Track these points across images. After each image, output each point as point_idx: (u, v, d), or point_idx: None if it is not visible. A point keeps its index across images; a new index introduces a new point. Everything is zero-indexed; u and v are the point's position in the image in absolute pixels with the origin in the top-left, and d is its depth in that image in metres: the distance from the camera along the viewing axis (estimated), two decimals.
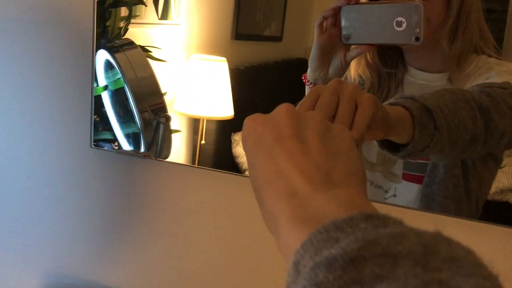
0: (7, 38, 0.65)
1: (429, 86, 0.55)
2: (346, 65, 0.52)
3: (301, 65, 0.72)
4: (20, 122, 0.65)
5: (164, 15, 0.73)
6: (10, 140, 0.66)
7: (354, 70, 0.55)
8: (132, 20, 0.70)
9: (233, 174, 0.65)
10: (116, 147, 0.67)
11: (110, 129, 0.64)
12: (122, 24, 0.67)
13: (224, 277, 0.65)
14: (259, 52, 0.80)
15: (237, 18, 0.77)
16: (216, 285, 0.66)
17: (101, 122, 0.63)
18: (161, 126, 0.64)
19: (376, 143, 0.45)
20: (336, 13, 0.49)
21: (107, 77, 0.63)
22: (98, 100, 0.64)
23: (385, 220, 0.21)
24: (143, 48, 0.68)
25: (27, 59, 0.66)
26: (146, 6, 0.70)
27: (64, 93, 0.65)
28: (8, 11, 0.66)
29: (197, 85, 0.71)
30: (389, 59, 0.53)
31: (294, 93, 0.71)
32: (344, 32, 0.49)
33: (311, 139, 0.27)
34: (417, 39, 0.46)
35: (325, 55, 0.51)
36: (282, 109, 0.28)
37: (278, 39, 0.78)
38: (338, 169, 0.26)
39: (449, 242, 0.19)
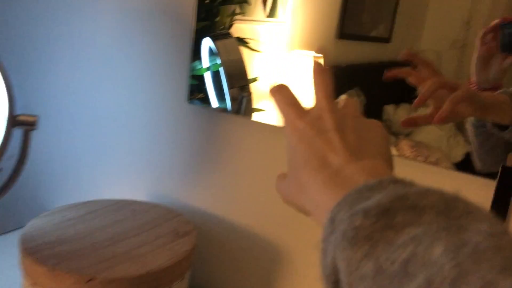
0: (132, 24, 0.81)
1: None
2: (502, 71, 0.59)
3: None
4: (139, 84, 0.81)
5: (272, 14, 0.80)
6: (131, 96, 0.83)
7: None
8: (241, 17, 0.79)
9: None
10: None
11: (209, 103, 0.76)
12: (228, 19, 0.78)
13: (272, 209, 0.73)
14: (363, 52, 0.83)
15: (343, 18, 0.81)
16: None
17: (204, 99, 0.75)
18: (244, 100, 0.75)
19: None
20: (495, 29, 0.58)
21: (210, 61, 0.76)
22: (201, 80, 0.76)
23: (411, 183, 0.24)
24: (241, 40, 0.77)
25: (147, 41, 0.80)
26: (249, 4, 0.79)
27: (170, 63, 0.78)
28: (133, 3, 0.80)
29: (293, 77, 0.79)
30: None
31: (395, 95, 0.78)
32: (501, 43, 0.58)
33: (346, 129, 0.30)
34: None
35: (485, 63, 0.59)
36: (323, 104, 0.31)
37: (386, 40, 0.81)
38: (368, 149, 0.29)
39: (465, 200, 0.22)
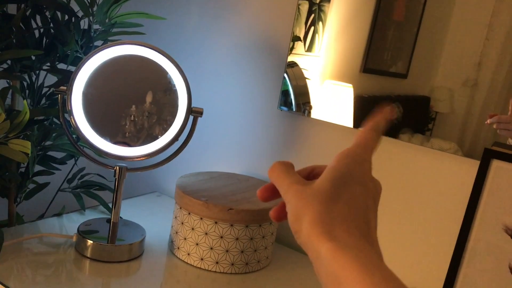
0: (242, 55, 1.14)
1: None
2: None
3: (423, 101, 0.85)
4: (244, 97, 1.13)
5: (309, 48, 1.02)
6: (228, 103, 1.17)
7: None
8: (293, 51, 1.06)
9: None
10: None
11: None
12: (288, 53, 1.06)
13: None
14: (384, 86, 0.91)
15: (367, 54, 0.92)
16: None
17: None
18: (306, 112, 1.07)
19: None
20: None
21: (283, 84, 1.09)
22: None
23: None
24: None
25: (248, 68, 1.13)
26: (301, 41, 1.04)
27: (266, 80, 1.09)
28: (244, 40, 1.12)
29: (325, 104, 1.03)
30: None
31: (410, 126, 0.88)
32: None
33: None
34: None
35: None
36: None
37: (403, 76, 0.88)
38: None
39: None
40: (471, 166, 0.87)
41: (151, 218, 1.13)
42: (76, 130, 0.87)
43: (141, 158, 0.90)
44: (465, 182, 0.89)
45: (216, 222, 0.92)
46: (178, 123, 0.91)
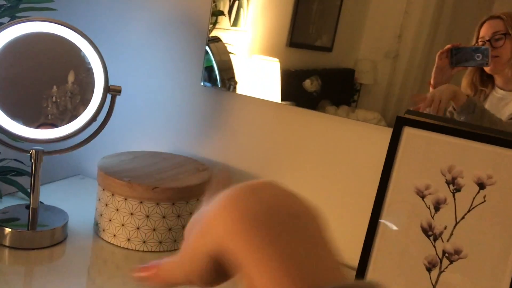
0: (159, 29, 1.10)
1: (504, 100, 0.81)
2: (450, 77, 0.81)
3: (348, 74, 0.88)
4: (164, 72, 1.00)
5: (235, 23, 1.00)
6: (149, 80, 1.14)
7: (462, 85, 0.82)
8: (217, 26, 1.04)
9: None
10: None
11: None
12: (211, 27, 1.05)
13: None
14: (309, 60, 0.93)
15: (292, 29, 0.92)
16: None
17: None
18: (231, 87, 1.07)
19: None
20: (447, 51, 0.81)
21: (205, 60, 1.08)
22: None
23: None
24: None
25: (168, 43, 1.11)
26: (225, 16, 1.02)
27: (188, 55, 1.11)
28: (160, 15, 1.07)
29: (253, 80, 1.03)
30: (485, 80, 0.82)
31: (336, 98, 0.90)
32: (450, 61, 0.81)
33: None
34: (486, 63, 0.81)
35: (440, 71, 0.81)
36: None
37: (328, 49, 0.90)
38: None
39: None
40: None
41: (75, 201, 1.10)
42: None
43: (59, 141, 0.86)
44: (384, 150, 0.93)
45: (141, 202, 0.90)
46: (95, 103, 0.88)
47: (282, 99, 1.00)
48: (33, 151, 0.88)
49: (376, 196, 0.82)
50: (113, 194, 0.92)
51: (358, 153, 0.96)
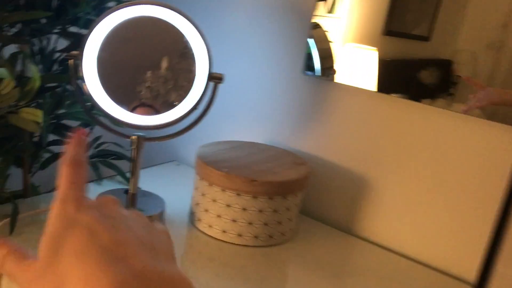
0: (257, 16, 1.07)
1: None
2: None
3: (445, 65, 0.83)
4: (259, 59, 1.03)
5: (331, 10, 0.97)
6: (250, 68, 1.12)
7: None
8: (315, 12, 1.00)
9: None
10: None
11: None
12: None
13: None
14: (406, 49, 0.89)
15: (389, 16, 0.88)
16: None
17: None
18: (330, 76, 1.01)
19: None
20: None
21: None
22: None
23: None
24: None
25: (271, 30, 1.06)
26: (323, 1, 0.98)
27: (290, 43, 1.05)
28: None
29: (350, 67, 0.98)
30: None
31: (431, 90, 0.85)
32: None
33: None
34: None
35: None
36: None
37: (426, 39, 0.85)
38: None
39: None
40: (496, 129, 0.81)
41: (170, 188, 1.10)
42: (89, 98, 0.82)
43: (160, 128, 0.85)
44: (492, 145, 0.83)
45: (238, 194, 0.87)
46: (198, 91, 0.85)
47: (379, 89, 0.94)
48: (135, 137, 0.87)
49: (503, 203, 0.72)
50: (210, 184, 0.89)
51: (479, 154, 0.86)
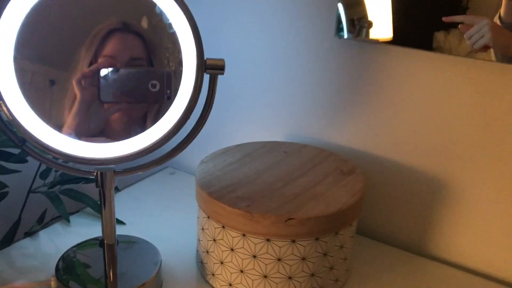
0: None
1: None
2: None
3: None
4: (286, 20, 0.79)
5: None
6: (260, 39, 0.81)
7: None
8: None
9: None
10: None
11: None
12: None
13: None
14: None
15: None
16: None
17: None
18: (363, 30, 0.71)
19: None
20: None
21: None
22: None
23: None
24: None
25: None
26: None
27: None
28: None
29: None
30: None
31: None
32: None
33: None
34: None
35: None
36: None
37: None
38: None
39: None
40: None
41: (166, 215, 0.80)
42: (13, 124, 0.51)
43: (130, 159, 0.54)
44: None
45: (268, 240, 0.57)
46: (186, 91, 0.53)
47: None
48: (98, 173, 0.57)
49: None
50: (223, 226, 0.59)
51: None
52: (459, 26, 0.64)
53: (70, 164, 0.57)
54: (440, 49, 0.66)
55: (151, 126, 0.54)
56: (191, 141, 0.58)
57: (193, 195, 0.67)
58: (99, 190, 0.58)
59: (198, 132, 0.58)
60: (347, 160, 0.71)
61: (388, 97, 0.72)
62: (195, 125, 0.58)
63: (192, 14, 0.52)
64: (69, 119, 0.52)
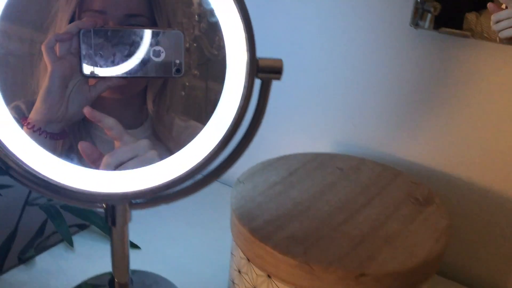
0: None
1: None
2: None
3: None
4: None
5: None
6: (331, 18, 0.65)
7: None
8: None
9: None
10: None
11: None
12: None
13: None
14: None
15: None
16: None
17: None
18: (429, 15, 0.57)
19: None
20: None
21: None
22: None
23: None
24: None
25: None
26: None
27: None
28: None
29: None
30: None
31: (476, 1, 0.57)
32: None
33: None
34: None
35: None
36: None
37: None
38: None
39: None
40: None
41: (189, 229, 0.67)
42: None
43: (164, 189, 0.40)
44: None
45: None
46: (230, 105, 0.39)
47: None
48: (106, 206, 0.43)
49: None
50: (269, 276, 0.46)
51: None
52: (488, 4, 0.50)
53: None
54: (471, 32, 0.54)
55: (152, 111, 0.40)
56: (231, 166, 0.44)
57: (225, 209, 0.53)
58: (108, 225, 0.44)
59: (242, 154, 0.43)
60: (420, 183, 0.56)
61: (476, 102, 0.57)
62: (238, 144, 0.43)
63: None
64: (37, 102, 0.37)
